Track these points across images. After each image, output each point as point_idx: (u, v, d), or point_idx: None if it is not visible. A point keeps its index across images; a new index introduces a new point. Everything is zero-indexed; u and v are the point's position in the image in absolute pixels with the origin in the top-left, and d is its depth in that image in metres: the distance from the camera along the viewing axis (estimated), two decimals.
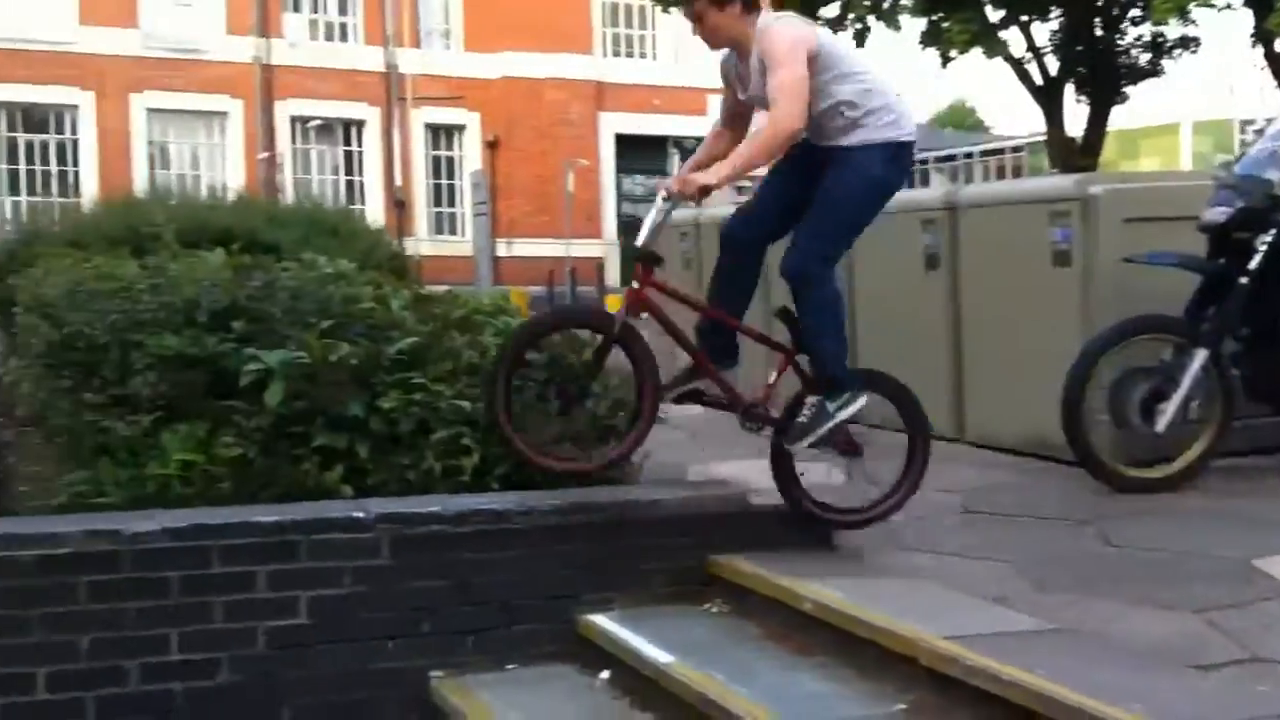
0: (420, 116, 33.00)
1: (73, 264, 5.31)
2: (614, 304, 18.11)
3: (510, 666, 4.20)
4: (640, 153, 33.56)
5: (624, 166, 34.01)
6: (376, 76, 32.38)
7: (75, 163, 30.32)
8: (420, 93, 31.87)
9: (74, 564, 3.84)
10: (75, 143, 30.35)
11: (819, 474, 4.63)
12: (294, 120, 32.16)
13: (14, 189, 30.10)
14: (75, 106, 30.12)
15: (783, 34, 4.24)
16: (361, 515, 4.14)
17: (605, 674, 4.00)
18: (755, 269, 4.55)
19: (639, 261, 4.37)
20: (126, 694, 3.89)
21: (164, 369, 4.46)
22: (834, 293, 4.39)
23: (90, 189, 27.69)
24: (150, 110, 30.66)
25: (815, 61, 4.25)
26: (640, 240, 4.35)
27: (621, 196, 34.19)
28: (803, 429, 4.41)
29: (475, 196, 19.39)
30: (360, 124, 33.00)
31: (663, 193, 4.34)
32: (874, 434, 4.73)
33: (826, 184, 4.33)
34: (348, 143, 33.27)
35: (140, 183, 26.95)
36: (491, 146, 33.06)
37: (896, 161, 4.41)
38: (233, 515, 4.05)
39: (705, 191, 4.21)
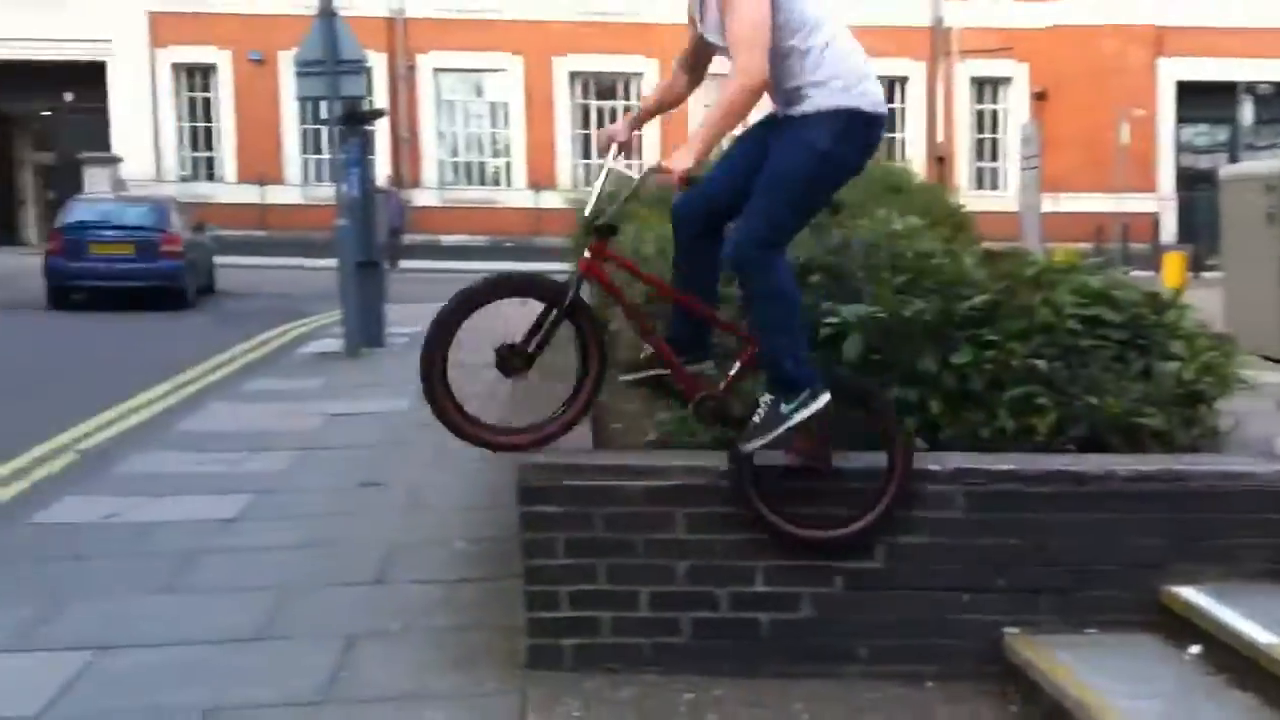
0: (965, 70, 32.45)
1: (662, 223, 5.69)
2: (1173, 267, 16.89)
3: (1089, 631, 4.12)
4: (1204, 100, 31.10)
5: (1185, 115, 31.71)
6: (924, 31, 32.16)
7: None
8: (967, 46, 31.30)
9: (674, 496, 4.18)
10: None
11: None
12: None
13: (586, 152, 32.78)
14: (640, 74, 32.27)
15: None
16: (937, 469, 4.20)
17: (1195, 649, 3.83)
18: (712, 250, 4.10)
19: (591, 232, 4.04)
20: (717, 619, 4.20)
21: None
22: (778, 282, 3.93)
23: (651, 151, 29.56)
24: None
25: (774, 6, 3.81)
26: (589, 209, 4.02)
27: (1180, 147, 31.93)
28: (753, 430, 3.99)
29: (1025, 150, 18.77)
30: (904, 80, 32.95)
31: (614, 147, 4.06)
32: None
33: (770, 159, 3.92)
34: (890, 99, 33.32)
35: None
36: (1039, 98, 31.93)
37: (850, 135, 3.92)
38: None
39: (686, 180, 3.81)
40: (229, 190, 31.63)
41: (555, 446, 4.48)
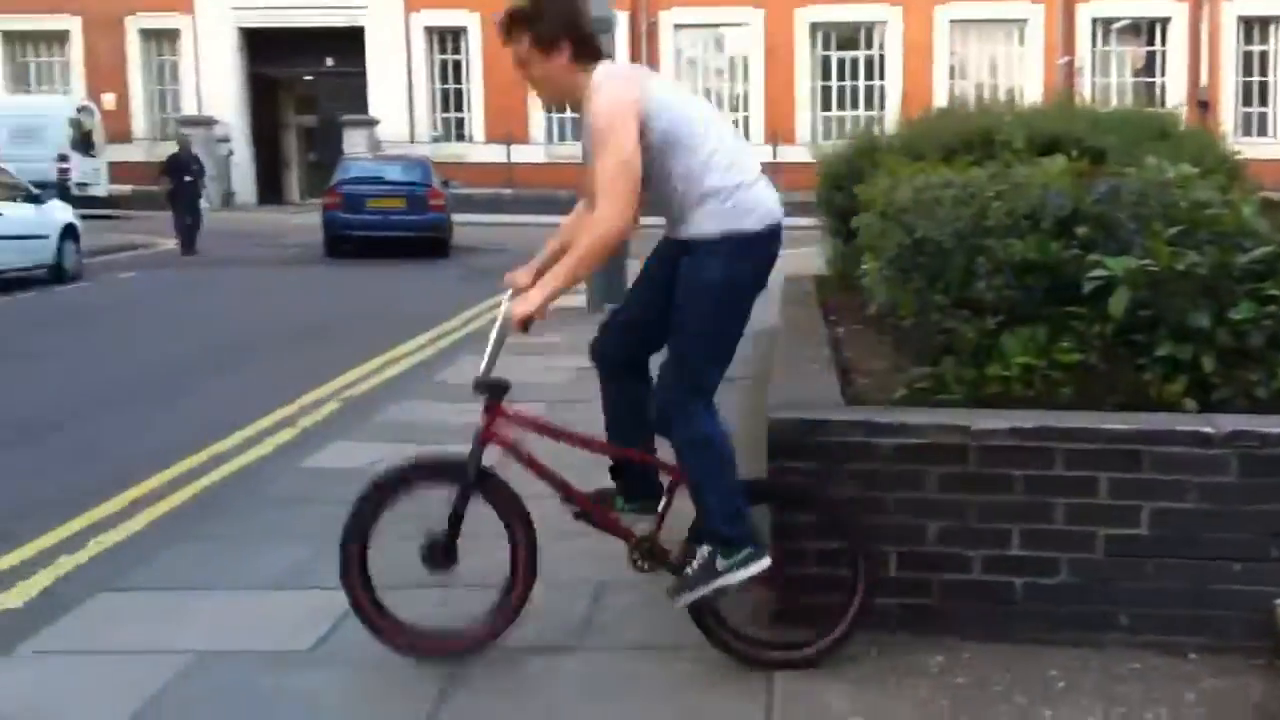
0: (1232, 9, 30.56)
1: (915, 173, 5.57)
2: None
3: None
4: None
5: None
6: None
7: (881, 76, 31.92)
8: None
9: (926, 454, 4.09)
10: (882, 57, 31.94)
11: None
12: (1095, 22, 31.27)
13: (825, 104, 32.39)
14: (884, 23, 31.62)
15: (605, 98, 3.53)
16: (1210, 431, 3.98)
17: None
18: (638, 385, 3.89)
19: (482, 394, 3.77)
20: (969, 581, 4.10)
21: (1008, 274, 4.57)
22: (706, 433, 3.70)
23: (892, 101, 28.99)
24: (952, 21, 31.37)
25: (645, 127, 3.54)
26: (480, 371, 3.77)
27: None
28: (684, 584, 3.78)
29: None
30: (1165, 21, 31.28)
31: (509, 293, 3.86)
32: None
33: (675, 302, 3.68)
34: (1150, 42, 31.71)
35: (939, 93, 27.78)
36: None
37: (744, 256, 3.65)
38: (1078, 420, 4.07)
39: (525, 325, 3.59)
40: (477, 150, 32.61)
41: (805, 400, 4.46)
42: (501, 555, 4.00)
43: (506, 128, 32.18)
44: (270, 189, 34.24)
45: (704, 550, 3.79)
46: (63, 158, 26.58)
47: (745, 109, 32.91)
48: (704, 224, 3.67)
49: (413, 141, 31.42)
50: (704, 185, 3.64)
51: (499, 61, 32.23)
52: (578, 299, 12.84)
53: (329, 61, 33.46)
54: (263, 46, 33.11)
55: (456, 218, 22.15)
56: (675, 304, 3.70)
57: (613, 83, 3.60)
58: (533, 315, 3.59)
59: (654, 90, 3.63)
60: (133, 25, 33.21)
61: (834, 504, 4.01)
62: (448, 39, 33.37)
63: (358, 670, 4.05)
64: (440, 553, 3.84)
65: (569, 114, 31.39)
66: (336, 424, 7.71)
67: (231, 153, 32.36)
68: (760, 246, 3.71)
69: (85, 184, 26.78)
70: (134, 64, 33.53)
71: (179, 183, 21.16)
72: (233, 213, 29.87)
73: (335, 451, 6.94)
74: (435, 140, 32.60)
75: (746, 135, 32.70)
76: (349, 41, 32.63)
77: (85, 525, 5.70)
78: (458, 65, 33.47)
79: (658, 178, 3.65)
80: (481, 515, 3.93)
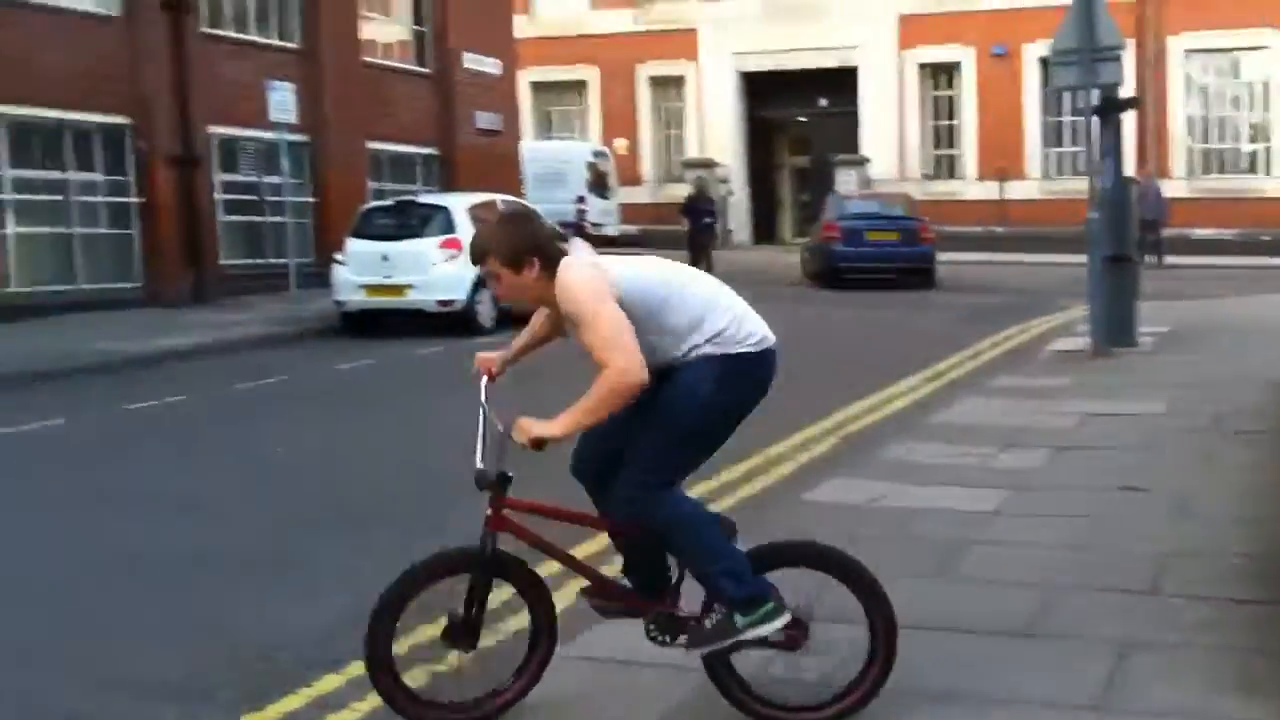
0: None
1: None
2: None
3: None
4: None
5: None
6: None
7: None
8: None
9: None
10: None
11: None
12: None
13: None
14: None
15: (573, 278, 3.68)
16: None
17: None
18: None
19: (486, 489, 3.81)
20: None
21: None
22: (671, 514, 3.76)
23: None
24: None
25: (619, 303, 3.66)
26: (478, 468, 3.79)
27: None
28: (703, 637, 3.83)
29: None
30: None
31: (484, 381, 4.08)
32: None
33: (659, 403, 3.72)
34: None
35: None
36: None
37: (737, 377, 3.75)
38: None
39: (540, 444, 3.60)
40: (969, 187, 32.17)
41: None
42: None
43: (1000, 163, 31.53)
44: (764, 228, 35.34)
45: (720, 608, 3.83)
46: (580, 199, 28.74)
47: (1266, 139, 30.43)
48: (705, 349, 3.77)
49: (902, 179, 31.42)
50: (696, 333, 3.76)
51: (993, 96, 31.80)
52: (1081, 342, 12.33)
53: (822, 102, 34.16)
54: (760, 90, 34.32)
55: (947, 255, 22.11)
56: (658, 410, 3.75)
57: (574, 265, 3.75)
58: (551, 439, 3.65)
59: (618, 271, 3.77)
60: (643, 73, 35.43)
61: (853, 568, 3.90)
62: (940, 75, 33.18)
63: None
64: (461, 634, 3.94)
65: (1068, 147, 30.35)
66: (835, 459, 7.82)
67: (732, 193, 33.70)
68: (754, 365, 3.80)
69: (599, 224, 28.76)
70: (643, 110, 35.74)
71: (695, 225, 22.61)
72: (732, 252, 31.05)
73: (835, 487, 7.03)
74: (926, 178, 32.45)
75: (1266, 169, 30.31)
76: (842, 82, 33.18)
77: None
78: (950, 101, 33.19)
79: (642, 344, 3.69)
80: None
